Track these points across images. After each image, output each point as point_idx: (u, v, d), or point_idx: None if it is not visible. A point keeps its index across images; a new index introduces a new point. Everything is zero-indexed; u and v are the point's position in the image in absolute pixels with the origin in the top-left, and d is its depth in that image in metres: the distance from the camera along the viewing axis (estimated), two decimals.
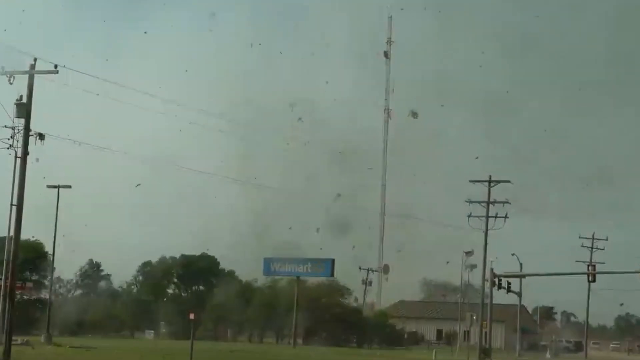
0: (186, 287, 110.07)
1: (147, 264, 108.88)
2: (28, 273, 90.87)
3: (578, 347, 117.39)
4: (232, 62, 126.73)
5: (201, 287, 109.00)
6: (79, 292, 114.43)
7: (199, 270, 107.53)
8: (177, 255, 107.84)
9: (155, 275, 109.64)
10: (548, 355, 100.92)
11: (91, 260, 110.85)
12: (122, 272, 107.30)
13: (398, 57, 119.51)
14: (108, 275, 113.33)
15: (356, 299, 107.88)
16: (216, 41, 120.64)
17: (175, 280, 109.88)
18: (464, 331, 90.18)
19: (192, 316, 54.10)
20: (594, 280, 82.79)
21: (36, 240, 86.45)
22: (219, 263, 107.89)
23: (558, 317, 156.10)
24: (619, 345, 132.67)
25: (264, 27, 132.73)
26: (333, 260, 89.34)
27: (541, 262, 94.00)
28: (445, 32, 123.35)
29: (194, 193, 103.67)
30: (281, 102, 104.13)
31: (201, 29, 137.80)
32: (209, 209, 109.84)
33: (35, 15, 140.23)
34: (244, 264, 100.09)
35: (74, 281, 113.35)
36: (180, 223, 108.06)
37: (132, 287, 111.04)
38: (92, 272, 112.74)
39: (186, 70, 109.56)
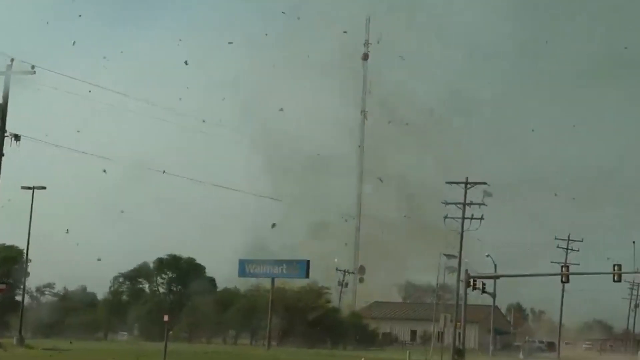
0: (163, 289, 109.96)
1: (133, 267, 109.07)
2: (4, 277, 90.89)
3: (551, 347, 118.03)
4: (215, 63, 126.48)
5: (178, 289, 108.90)
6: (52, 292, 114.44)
7: (176, 273, 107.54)
8: (155, 258, 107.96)
9: (132, 278, 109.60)
10: (521, 355, 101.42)
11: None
12: (98, 273, 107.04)
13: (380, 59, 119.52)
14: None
15: (329, 300, 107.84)
16: (197, 43, 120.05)
17: (155, 282, 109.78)
18: (438, 332, 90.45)
19: (166, 318, 54.14)
20: (567, 281, 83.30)
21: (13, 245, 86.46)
22: (197, 265, 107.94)
23: (530, 317, 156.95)
24: (591, 345, 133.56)
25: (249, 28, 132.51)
26: (308, 262, 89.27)
27: (519, 263, 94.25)
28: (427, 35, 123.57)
29: (172, 195, 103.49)
30: (264, 103, 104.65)
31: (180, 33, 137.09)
32: (187, 212, 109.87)
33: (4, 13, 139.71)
34: (222, 266, 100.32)
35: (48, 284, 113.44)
36: (158, 225, 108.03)
37: (110, 288, 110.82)
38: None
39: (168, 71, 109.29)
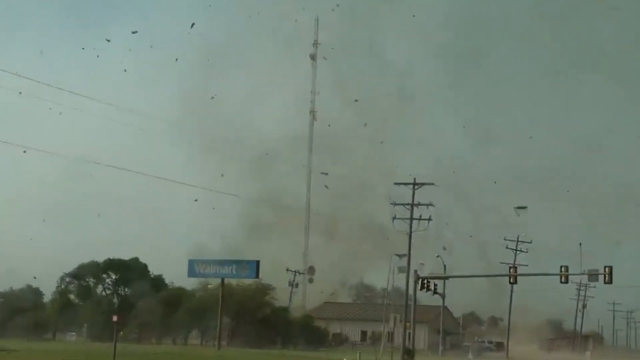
0: (113, 290, 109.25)
1: (80, 265, 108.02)
2: None
3: (499, 347, 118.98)
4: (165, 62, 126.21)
5: (126, 290, 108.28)
6: None
7: (127, 274, 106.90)
8: (104, 258, 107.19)
9: (82, 277, 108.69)
10: (470, 355, 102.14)
11: None
12: (46, 272, 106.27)
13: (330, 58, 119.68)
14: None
15: (276, 300, 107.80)
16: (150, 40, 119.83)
17: (104, 283, 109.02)
18: (388, 332, 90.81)
19: (115, 318, 53.94)
20: (515, 282, 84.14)
21: None
22: (144, 265, 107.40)
23: (480, 318, 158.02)
24: (538, 345, 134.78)
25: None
26: (258, 262, 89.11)
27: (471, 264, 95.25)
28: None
29: (116, 192, 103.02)
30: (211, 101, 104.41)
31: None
32: (137, 211, 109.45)
33: None
34: (171, 266, 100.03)
35: None
36: (109, 225, 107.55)
37: (58, 288, 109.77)
38: None
39: (125, 70, 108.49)
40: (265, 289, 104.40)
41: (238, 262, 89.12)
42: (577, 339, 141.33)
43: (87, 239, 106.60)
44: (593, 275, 75.47)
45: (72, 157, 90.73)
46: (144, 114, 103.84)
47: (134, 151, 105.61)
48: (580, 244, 77.48)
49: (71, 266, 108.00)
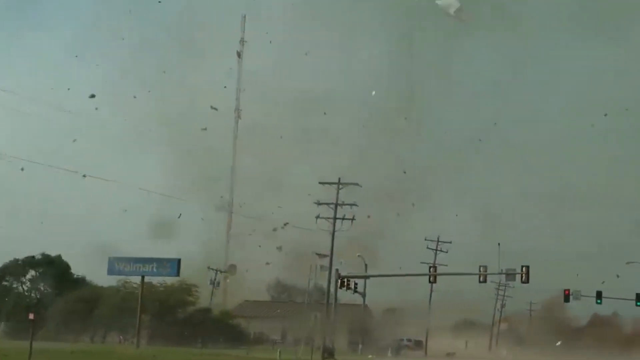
0: (31, 287, 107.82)
1: None
2: None
3: (418, 345, 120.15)
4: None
5: (44, 287, 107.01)
6: None
7: (47, 272, 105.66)
8: (24, 256, 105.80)
9: (2, 277, 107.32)
10: (389, 353, 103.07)
11: None
12: None
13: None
14: None
15: (198, 298, 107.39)
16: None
17: (22, 280, 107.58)
18: (309, 331, 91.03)
19: (31, 316, 53.25)
20: (434, 281, 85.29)
21: None
22: (64, 263, 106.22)
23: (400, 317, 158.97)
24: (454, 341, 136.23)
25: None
26: (179, 260, 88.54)
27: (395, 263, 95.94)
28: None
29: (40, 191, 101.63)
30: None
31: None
32: (58, 208, 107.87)
33: None
34: (91, 264, 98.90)
35: None
36: (17, 220, 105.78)
37: None
38: None
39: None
40: (188, 288, 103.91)
41: (159, 261, 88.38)
42: (495, 337, 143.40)
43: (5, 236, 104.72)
44: (510, 275, 76.95)
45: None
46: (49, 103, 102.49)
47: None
48: (499, 244, 78.87)
49: None
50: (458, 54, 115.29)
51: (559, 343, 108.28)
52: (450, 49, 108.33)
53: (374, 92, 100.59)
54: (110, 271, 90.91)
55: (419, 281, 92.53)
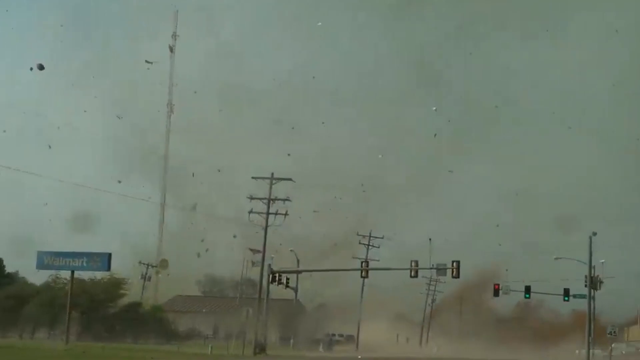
0: None
1: None
2: None
3: (349, 339, 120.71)
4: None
5: None
6: None
7: None
8: None
9: None
10: (321, 348, 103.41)
11: None
12: None
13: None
14: None
15: (128, 293, 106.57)
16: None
17: None
18: (240, 326, 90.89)
19: None
20: (366, 276, 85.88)
21: None
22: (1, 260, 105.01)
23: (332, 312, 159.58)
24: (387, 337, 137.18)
25: None
26: (110, 255, 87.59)
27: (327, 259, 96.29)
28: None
29: None
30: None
31: None
32: None
33: None
34: (20, 258, 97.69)
35: None
36: None
37: None
38: None
39: None
40: (119, 283, 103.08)
41: (89, 255, 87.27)
42: (426, 331, 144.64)
43: None
44: (441, 270, 77.87)
45: None
46: None
47: None
48: (430, 239, 79.67)
49: None
50: None
51: None
52: None
53: None
54: (39, 265, 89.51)
55: (352, 276, 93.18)
